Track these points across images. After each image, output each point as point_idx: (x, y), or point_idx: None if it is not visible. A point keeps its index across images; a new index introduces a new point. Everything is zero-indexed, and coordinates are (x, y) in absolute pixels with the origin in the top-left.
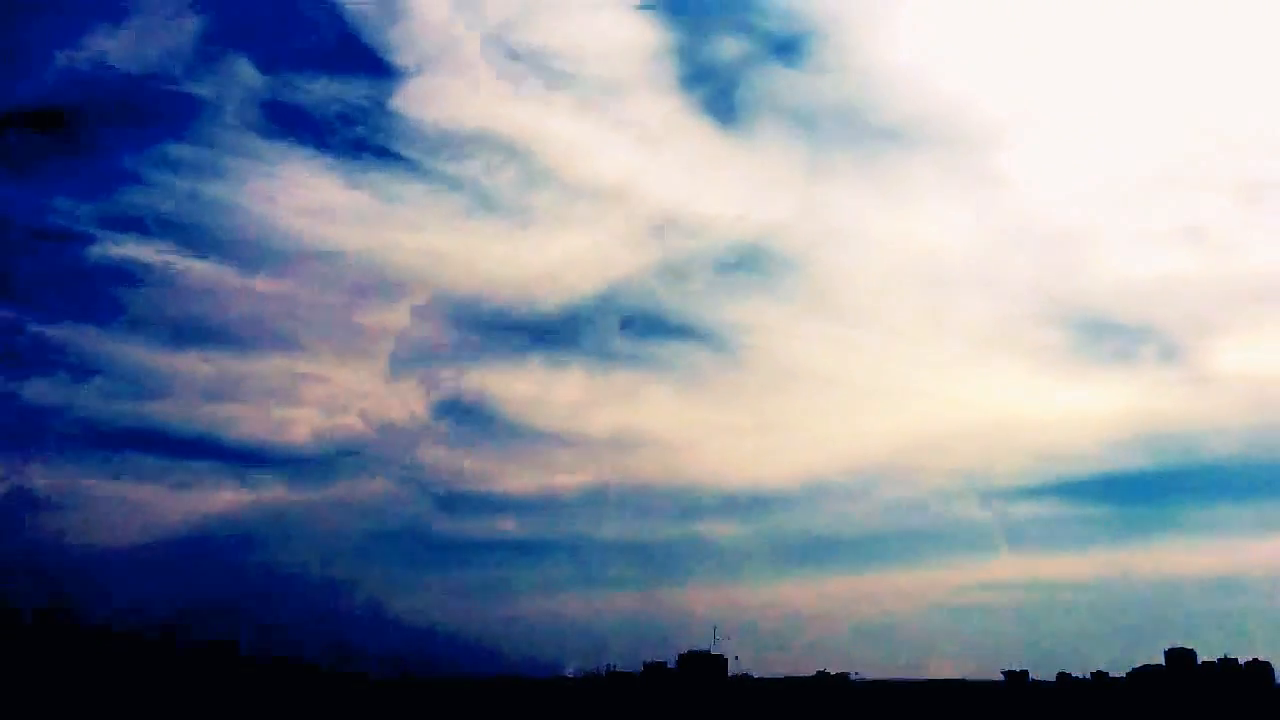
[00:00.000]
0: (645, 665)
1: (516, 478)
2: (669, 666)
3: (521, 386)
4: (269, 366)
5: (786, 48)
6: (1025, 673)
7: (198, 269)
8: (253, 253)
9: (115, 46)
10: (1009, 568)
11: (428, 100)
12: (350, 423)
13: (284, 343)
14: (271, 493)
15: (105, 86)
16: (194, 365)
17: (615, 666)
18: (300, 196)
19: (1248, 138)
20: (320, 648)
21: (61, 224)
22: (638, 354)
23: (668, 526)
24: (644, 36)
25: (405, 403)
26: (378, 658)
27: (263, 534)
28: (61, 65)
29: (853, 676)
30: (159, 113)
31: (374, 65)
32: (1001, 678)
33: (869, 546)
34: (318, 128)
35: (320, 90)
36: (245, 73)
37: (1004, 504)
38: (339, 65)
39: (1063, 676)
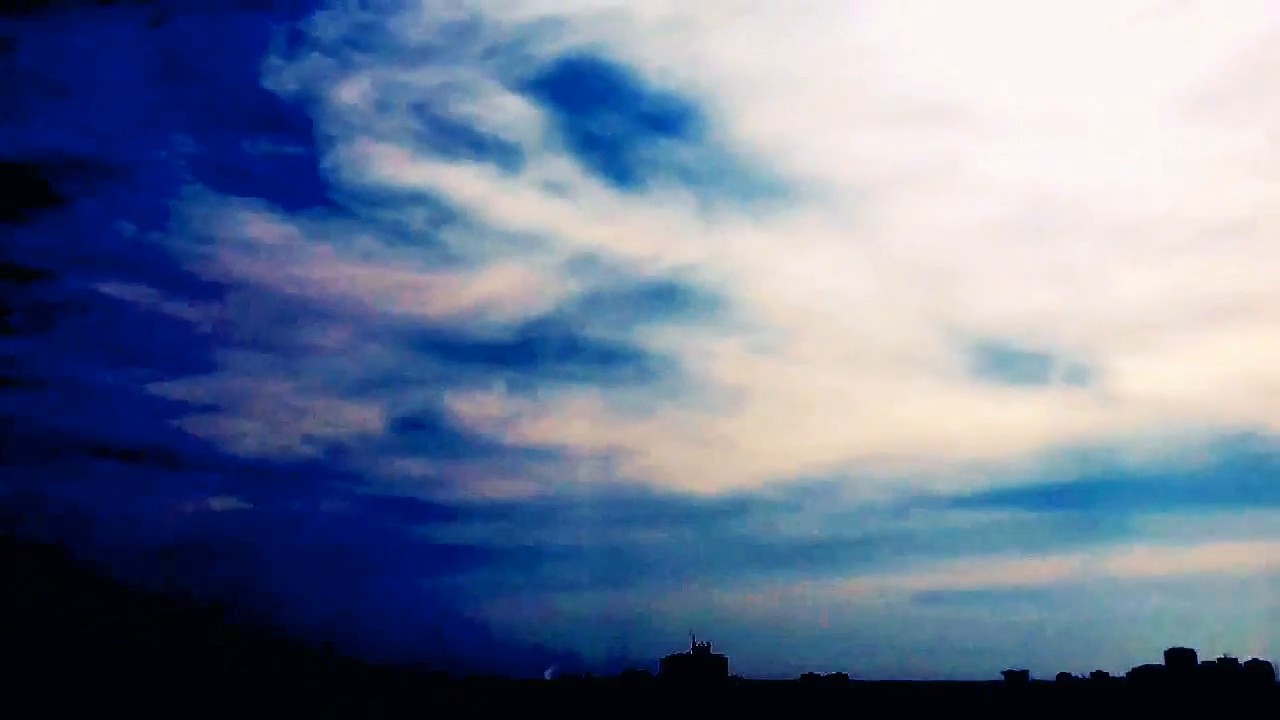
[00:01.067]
0: (625, 670)
1: (467, 488)
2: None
3: (463, 405)
4: (214, 384)
5: (665, 122)
6: (1025, 673)
7: (148, 297)
8: (196, 283)
9: (73, 119)
10: (965, 573)
11: (356, 163)
12: (303, 436)
13: (224, 363)
14: (227, 504)
15: (69, 149)
16: (148, 383)
17: (590, 673)
18: (242, 233)
19: (1118, 180)
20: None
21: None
22: (570, 374)
23: (609, 533)
24: (538, 111)
25: (359, 419)
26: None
27: (223, 545)
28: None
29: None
30: (114, 171)
31: (307, 132)
32: (1001, 677)
33: (817, 552)
34: (256, 182)
35: (256, 150)
36: (185, 141)
37: (941, 513)
38: (273, 131)
39: (1063, 676)
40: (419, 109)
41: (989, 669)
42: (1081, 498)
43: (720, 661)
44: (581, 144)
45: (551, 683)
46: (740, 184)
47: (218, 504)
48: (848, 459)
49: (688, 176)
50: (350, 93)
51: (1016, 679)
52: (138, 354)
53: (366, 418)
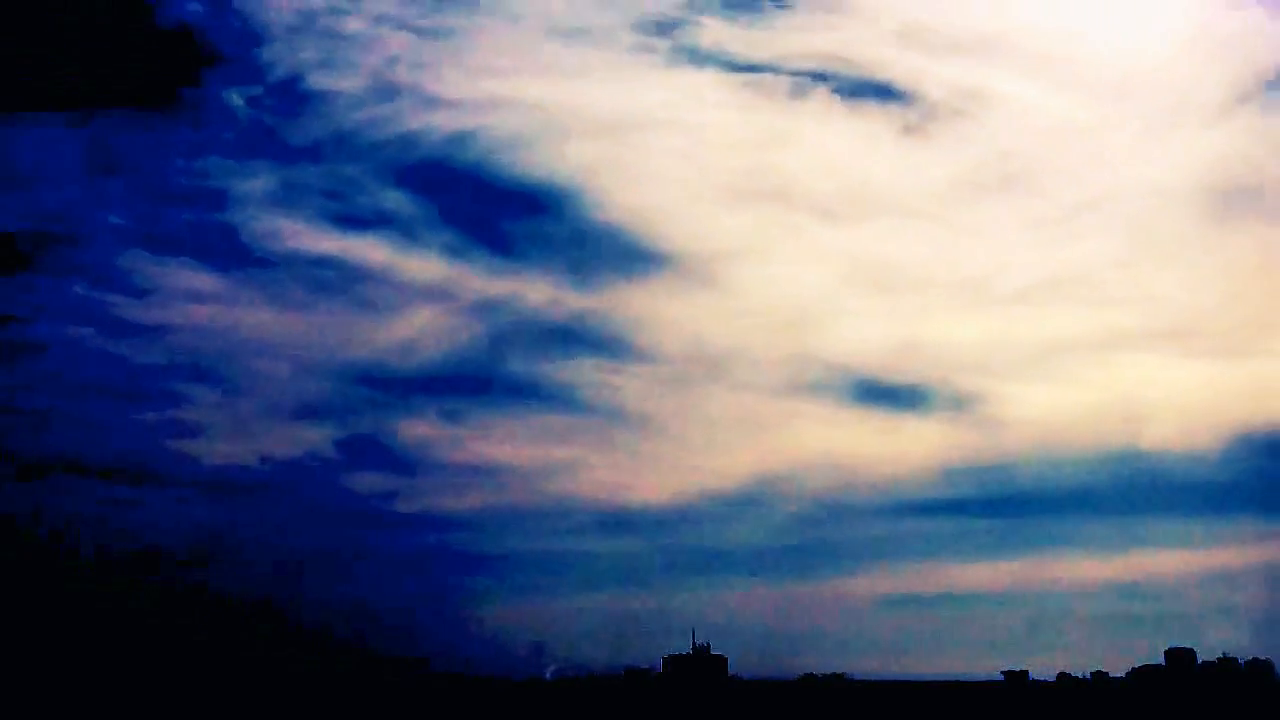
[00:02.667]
0: (626, 669)
1: (419, 501)
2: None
3: (402, 428)
4: (171, 411)
5: (535, 206)
6: (1025, 672)
7: (102, 338)
8: (143, 326)
9: (29, 199)
10: (915, 577)
11: (272, 234)
12: (260, 455)
13: (179, 393)
14: (198, 515)
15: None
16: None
17: (591, 673)
18: (181, 285)
19: (941, 248)
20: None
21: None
22: (491, 403)
23: (564, 540)
24: (421, 198)
25: (309, 440)
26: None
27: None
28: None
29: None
30: (65, 239)
31: (224, 209)
32: (1000, 676)
33: (763, 559)
34: (187, 246)
35: (182, 220)
36: (120, 215)
37: (866, 522)
38: (194, 208)
39: (1063, 676)
40: (318, 196)
41: (985, 667)
42: (986, 510)
43: (720, 661)
44: (465, 222)
45: (551, 683)
46: (609, 253)
47: (189, 515)
48: (766, 475)
49: (562, 247)
50: (254, 184)
51: (1016, 679)
52: (96, 386)
53: (316, 439)
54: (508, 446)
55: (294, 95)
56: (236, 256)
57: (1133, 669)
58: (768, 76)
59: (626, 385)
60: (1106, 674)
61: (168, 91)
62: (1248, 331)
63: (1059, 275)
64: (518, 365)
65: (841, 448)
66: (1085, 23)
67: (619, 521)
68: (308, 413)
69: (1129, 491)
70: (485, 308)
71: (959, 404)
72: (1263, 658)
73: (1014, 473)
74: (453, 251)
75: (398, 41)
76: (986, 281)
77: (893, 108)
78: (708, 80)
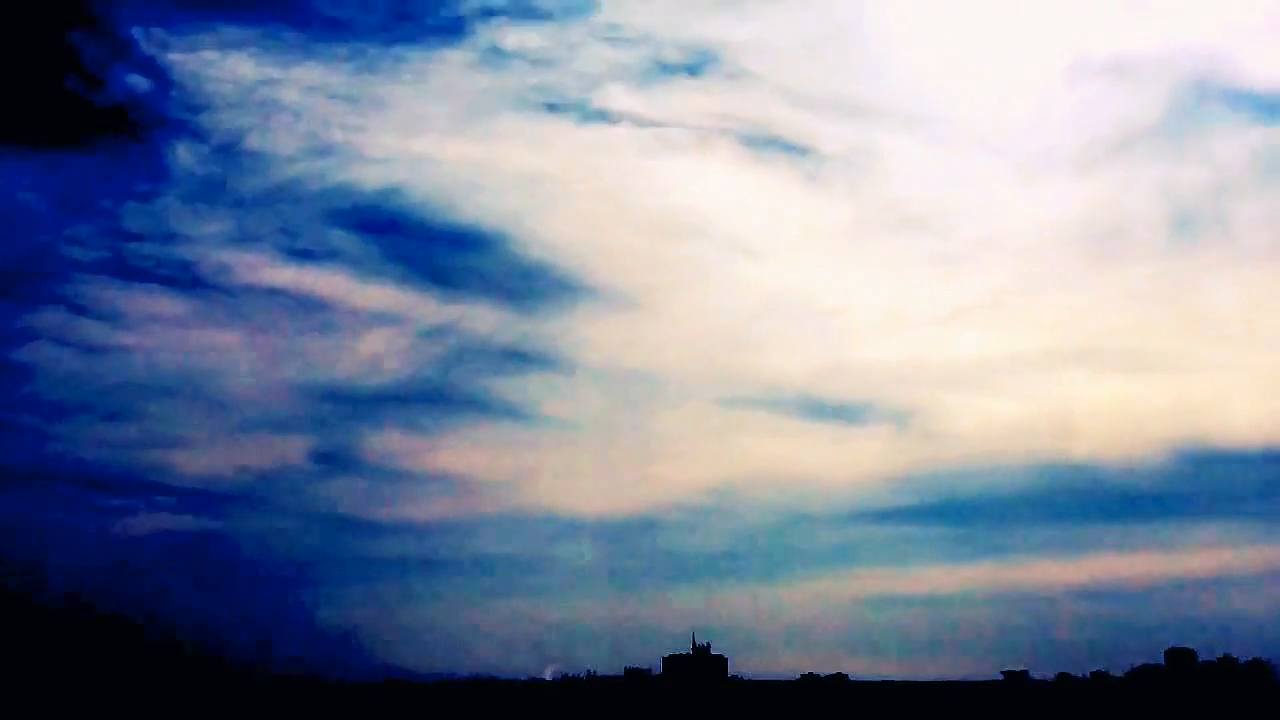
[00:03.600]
0: (626, 670)
1: (392, 508)
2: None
3: (369, 440)
4: (148, 425)
5: (465, 244)
6: (1025, 672)
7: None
8: (116, 347)
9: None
10: (891, 579)
11: (231, 267)
12: (237, 467)
13: (154, 409)
14: (179, 523)
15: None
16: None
17: (591, 673)
18: (148, 310)
19: (852, 284)
20: (276, 658)
21: None
22: (450, 418)
23: (535, 546)
24: (363, 238)
25: (282, 452)
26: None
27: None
28: None
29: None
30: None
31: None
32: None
33: (733, 562)
34: (151, 277)
35: (145, 253)
36: (88, 249)
37: (826, 529)
38: (155, 242)
39: (1062, 676)
40: (269, 235)
41: (968, 668)
42: (938, 516)
43: (720, 661)
44: (406, 258)
45: (552, 683)
46: (542, 285)
47: (169, 523)
48: (721, 485)
49: (498, 281)
50: (208, 226)
51: (1016, 679)
52: (76, 402)
53: (288, 452)
54: (468, 457)
55: (237, 153)
56: (197, 285)
57: (1133, 669)
58: (675, 130)
59: (574, 401)
60: (1106, 674)
61: (121, 147)
62: (1151, 352)
63: (966, 303)
64: (470, 383)
65: (791, 458)
66: (954, 87)
67: (583, 528)
68: (277, 427)
69: (1069, 499)
70: (435, 332)
71: (898, 417)
72: (1263, 658)
73: (958, 481)
74: (400, 283)
75: (327, 108)
76: (901, 309)
77: (794, 158)
78: (620, 134)
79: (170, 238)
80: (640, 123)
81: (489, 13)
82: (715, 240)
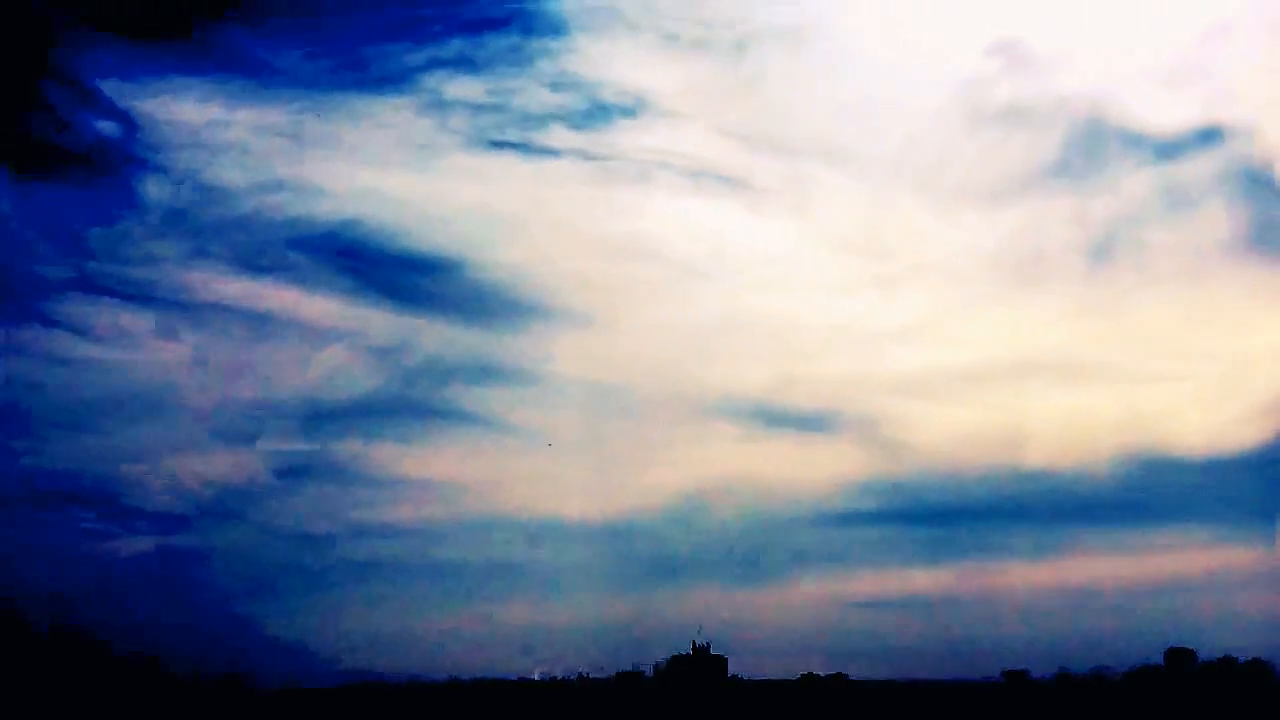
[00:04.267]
0: (625, 670)
1: (367, 514)
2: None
3: (335, 449)
4: (110, 443)
5: (418, 269)
6: (1025, 672)
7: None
8: (82, 360)
9: None
10: (875, 581)
11: (190, 285)
12: (204, 481)
13: (114, 426)
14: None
15: None
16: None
17: (590, 673)
18: (111, 324)
19: (798, 303)
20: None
21: None
22: (413, 427)
23: (518, 550)
24: (320, 260)
25: (249, 464)
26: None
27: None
28: None
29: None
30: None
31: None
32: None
33: (714, 566)
34: (116, 294)
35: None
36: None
37: (801, 531)
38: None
39: (1062, 676)
40: (226, 258)
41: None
42: (908, 519)
43: (720, 661)
44: (362, 281)
45: (548, 683)
46: (497, 304)
47: (142, 543)
48: (690, 491)
49: (452, 301)
50: (167, 248)
51: (1016, 678)
52: (48, 417)
53: (256, 460)
54: (437, 465)
55: (197, 186)
56: (161, 303)
57: (1133, 669)
58: (618, 164)
59: (541, 412)
60: (1106, 674)
61: (90, 179)
62: (1088, 366)
63: (909, 321)
64: (434, 394)
65: (757, 466)
66: (871, 127)
67: (559, 533)
68: (244, 440)
69: (1031, 504)
70: (393, 347)
71: (860, 426)
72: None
73: (922, 487)
74: (357, 301)
75: (279, 146)
76: (847, 326)
77: (732, 189)
78: (565, 167)
79: (134, 259)
80: (584, 156)
81: (434, 64)
82: (665, 262)
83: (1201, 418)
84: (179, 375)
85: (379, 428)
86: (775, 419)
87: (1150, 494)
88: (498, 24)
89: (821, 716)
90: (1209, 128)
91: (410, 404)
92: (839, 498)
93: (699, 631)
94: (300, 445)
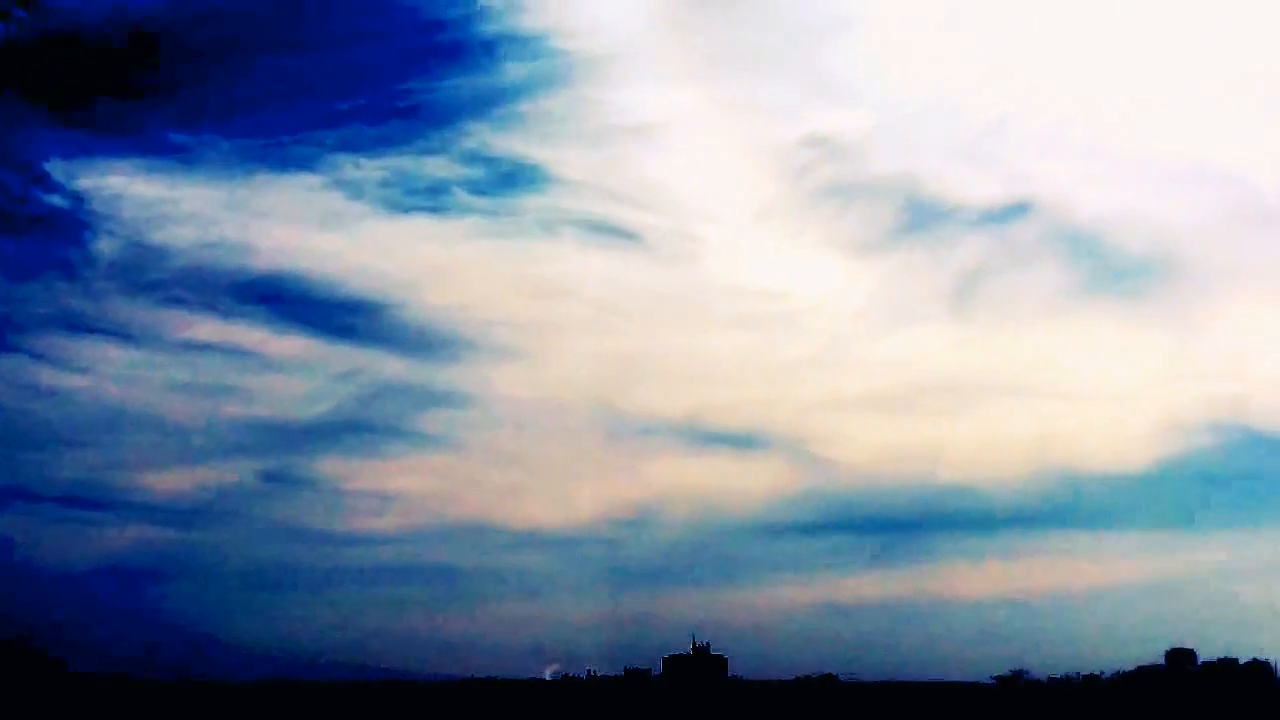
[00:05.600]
0: (625, 670)
1: (347, 522)
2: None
3: (308, 465)
4: (100, 455)
5: (354, 311)
6: (1022, 672)
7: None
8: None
9: None
10: (829, 587)
11: (157, 325)
12: (195, 484)
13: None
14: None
15: None
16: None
17: (590, 673)
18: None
19: (708, 332)
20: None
21: None
22: (374, 444)
23: (491, 556)
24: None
25: (230, 478)
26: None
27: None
28: None
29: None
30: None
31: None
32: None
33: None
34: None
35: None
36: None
37: (746, 541)
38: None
39: (1062, 677)
40: (182, 302)
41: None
42: (847, 529)
43: (720, 661)
44: (307, 320)
45: (552, 683)
46: (434, 341)
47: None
48: (635, 504)
49: (392, 337)
50: (136, 299)
51: (1013, 679)
52: (41, 440)
53: (232, 475)
54: (399, 480)
55: (140, 247)
56: (134, 340)
57: (1133, 669)
58: (523, 219)
59: (486, 433)
60: (1106, 674)
61: (52, 238)
62: (992, 390)
63: (808, 354)
64: (391, 417)
65: (696, 480)
66: (725, 196)
67: (514, 541)
68: (223, 455)
69: (952, 516)
70: (350, 375)
71: (788, 445)
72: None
73: (850, 500)
74: (309, 335)
75: (215, 213)
76: (758, 357)
77: (627, 242)
78: (470, 224)
79: (105, 304)
80: (486, 213)
81: (344, 145)
82: (580, 301)
83: (1103, 439)
84: (151, 401)
85: (346, 445)
86: (707, 437)
87: (1061, 506)
88: (403, 113)
89: (817, 717)
90: (1019, 202)
91: (370, 425)
92: (787, 509)
93: (694, 632)
94: (278, 459)
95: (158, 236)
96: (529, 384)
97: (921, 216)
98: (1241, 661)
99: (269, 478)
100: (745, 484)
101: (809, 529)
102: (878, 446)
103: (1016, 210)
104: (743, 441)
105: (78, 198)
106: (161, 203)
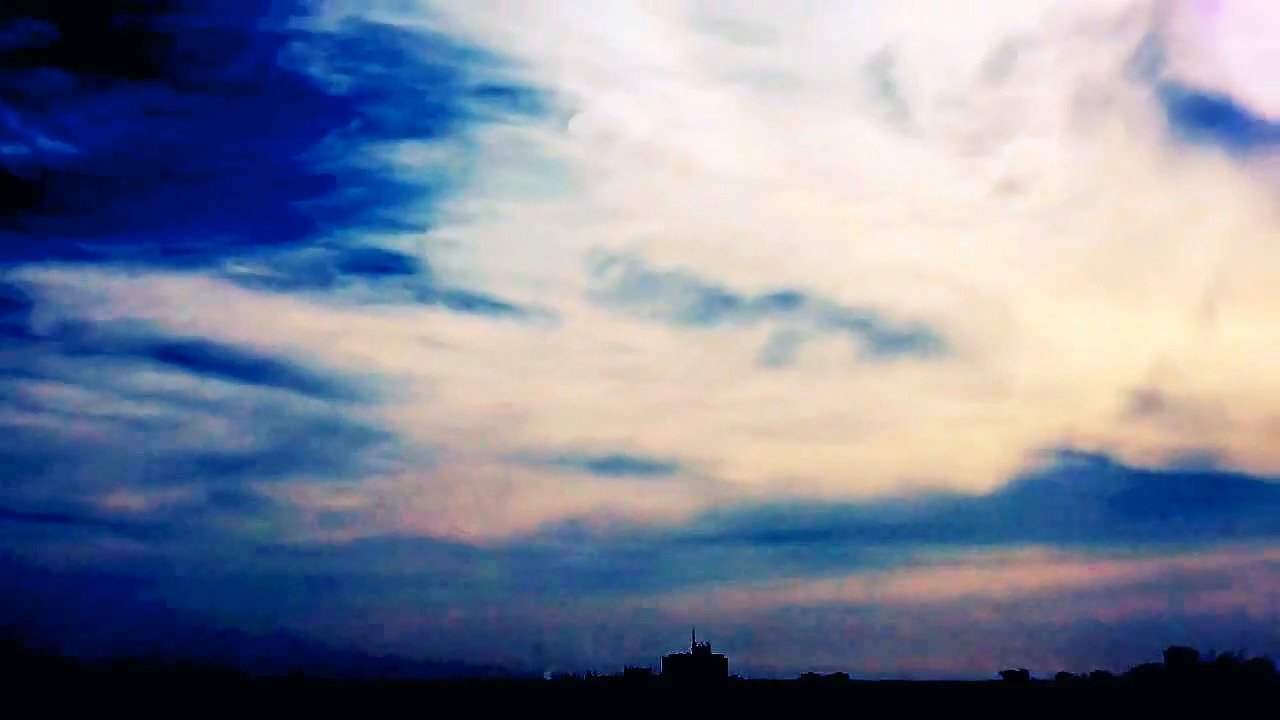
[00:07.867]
0: (625, 669)
1: (306, 533)
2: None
3: (259, 487)
4: (74, 476)
5: (255, 374)
6: (1025, 672)
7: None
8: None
9: None
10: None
11: (101, 378)
12: (160, 503)
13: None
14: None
15: None
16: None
17: (591, 673)
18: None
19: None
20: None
21: None
22: (326, 465)
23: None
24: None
25: (197, 496)
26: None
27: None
28: None
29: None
30: None
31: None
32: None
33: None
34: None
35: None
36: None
37: (678, 550)
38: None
39: (1062, 676)
40: (127, 363)
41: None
42: (773, 540)
43: (720, 661)
44: (226, 371)
45: (551, 683)
46: (345, 389)
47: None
48: (556, 522)
49: (305, 386)
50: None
51: (1016, 678)
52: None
53: (189, 497)
54: (348, 499)
55: (69, 322)
56: (82, 384)
57: (1133, 669)
58: (396, 292)
59: (403, 463)
60: (1106, 674)
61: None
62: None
63: (663, 402)
64: (315, 448)
65: (615, 501)
66: (565, 275)
67: (463, 553)
68: (186, 476)
69: (863, 527)
70: (268, 410)
71: (697, 469)
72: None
73: (757, 516)
74: (230, 381)
75: (119, 292)
76: (618, 410)
77: (499, 313)
78: (353, 294)
79: (49, 362)
80: (367, 300)
81: (230, 245)
82: (473, 353)
83: (971, 463)
84: (104, 433)
85: (280, 472)
86: (616, 464)
87: (930, 521)
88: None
89: (819, 716)
90: (785, 291)
91: (297, 456)
92: (707, 522)
93: (694, 632)
94: (226, 482)
95: (82, 314)
96: (424, 425)
97: (705, 305)
98: (1241, 661)
99: (218, 498)
100: (657, 504)
101: (706, 542)
102: (770, 473)
103: (783, 299)
104: (657, 468)
105: (12, 287)
106: (83, 290)
